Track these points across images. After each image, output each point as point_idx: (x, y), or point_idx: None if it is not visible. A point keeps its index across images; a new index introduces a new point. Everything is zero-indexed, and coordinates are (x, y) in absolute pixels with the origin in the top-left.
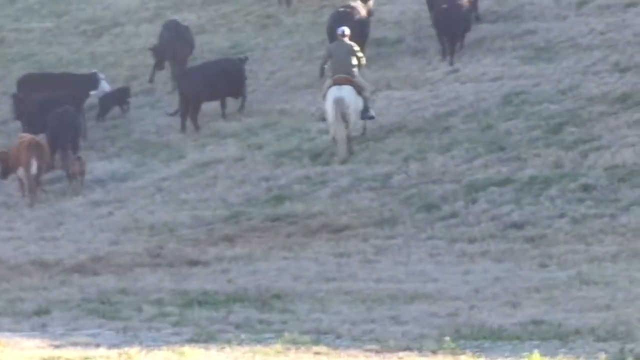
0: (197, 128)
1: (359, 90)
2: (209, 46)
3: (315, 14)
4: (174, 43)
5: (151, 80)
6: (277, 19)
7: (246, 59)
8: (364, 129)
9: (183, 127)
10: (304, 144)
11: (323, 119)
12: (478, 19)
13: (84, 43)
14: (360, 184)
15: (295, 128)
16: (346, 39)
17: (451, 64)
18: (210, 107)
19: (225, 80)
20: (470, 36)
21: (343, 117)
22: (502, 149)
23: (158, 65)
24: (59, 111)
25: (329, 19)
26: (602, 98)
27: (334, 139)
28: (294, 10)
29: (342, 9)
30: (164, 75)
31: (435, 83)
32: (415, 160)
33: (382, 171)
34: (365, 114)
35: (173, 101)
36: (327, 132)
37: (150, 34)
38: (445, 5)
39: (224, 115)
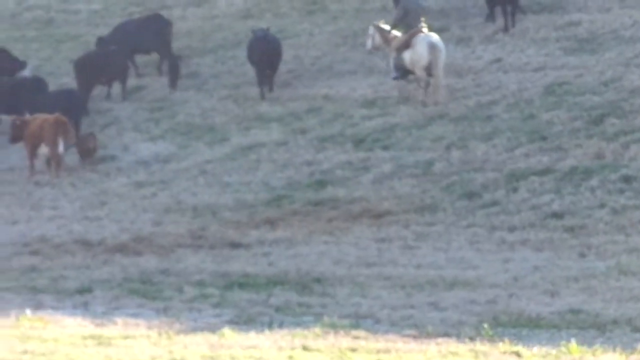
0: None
1: None
2: None
3: (360, 1)
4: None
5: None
6: (322, 4)
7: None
8: None
9: (262, 94)
10: (347, 129)
11: (398, 74)
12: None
13: None
14: (402, 170)
15: (338, 113)
16: None
17: (513, 25)
18: (254, 90)
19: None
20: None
21: (436, 60)
22: (543, 138)
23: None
24: (66, 91)
25: None
26: None
27: (422, 85)
28: None
29: None
30: (210, 58)
31: (478, 72)
32: (457, 148)
33: (424, 158)
34: None
35: (218, 85)
36: (370, 118)
37: (197, 17)
38: None
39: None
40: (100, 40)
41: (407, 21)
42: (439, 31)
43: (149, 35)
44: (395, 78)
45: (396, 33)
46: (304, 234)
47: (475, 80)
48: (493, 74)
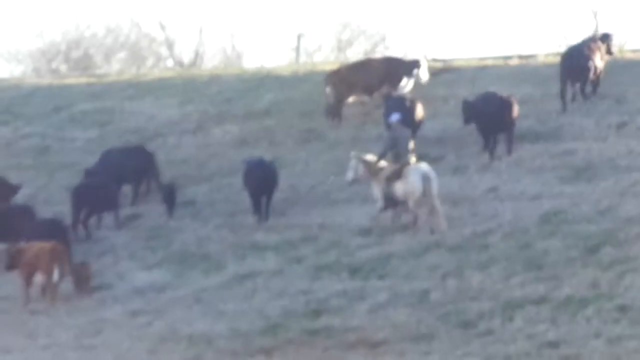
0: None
1: None
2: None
3: (357, 129)
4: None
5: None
6: (319, 133)
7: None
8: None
9: (257, 213)
10: (342, 258)
11: (387, 204)
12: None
13: None
14: (397, 299)
15: (334, 242)
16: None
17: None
18: (250, 219)
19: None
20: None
21: (430, 190)
22: (539, 267)
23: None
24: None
25: (386, 105)
26: None
27: (416, 217)
28: (336, 125)
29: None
30: (206, 186)
31: (474, 201)
32: (453, 277)
33: (420, 287)
34: None
35: (213, 213)
36: (365, 246)
37: (192, 145)
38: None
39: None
40: (88, 172)
41: (396, 150)
42: (435, 160)
43: (131, 165)
44: (382, 209)
45: (383, 163)
46: None
47: (471, 209)
48: (489, 203)
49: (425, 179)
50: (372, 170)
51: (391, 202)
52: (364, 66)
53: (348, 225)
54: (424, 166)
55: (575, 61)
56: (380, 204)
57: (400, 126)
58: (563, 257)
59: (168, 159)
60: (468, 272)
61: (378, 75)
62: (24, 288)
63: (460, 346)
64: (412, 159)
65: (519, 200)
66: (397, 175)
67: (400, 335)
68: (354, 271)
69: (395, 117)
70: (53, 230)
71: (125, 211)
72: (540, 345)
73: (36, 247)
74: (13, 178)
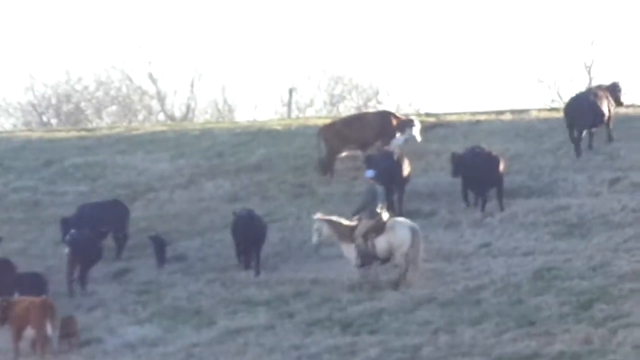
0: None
1: None
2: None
3: (348, 185)
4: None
5: None
6: (311, 188)
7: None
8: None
9: (246, 265)
10: (334, 313)
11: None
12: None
13: None
14: (389, 354)
15: (326, 297)
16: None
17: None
18: (241, 274)
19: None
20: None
21: (417, 245)
22: (531, 323)
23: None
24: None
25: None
26: (633, 275)
27: (405, 270)
28: (327, 180)
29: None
30: (197, 241)
31: (467, 256)
32: (444, 333)
33: (412, 342)
34: None
35: (205, 268)
36: (357, 302)
37: (184, 199)
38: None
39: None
40: (65, 222)
41: (373, 207)
42: (427, 215)
43: (107, 218)
44: (359, 266)
45: (348, 222)
46: None
47: (463, 264)
48: (482, 259)
49: (414, 232)
50: (339, 229)
51: (369, 258)
52: (359, 120)
53: (339, 280)
54: (407, 220)
55: (579, 108)
56: (355, 262)
57: (373, 182)
58: (556, 313)
59: (160, 214)
60: (460, 328)
61: (372, 130)
62: (14, 342)
63: None
64: (385, 215)
65: (512, 256)
66: (377, 230)
67: None
68: (345, 326)
69: (369, 173)
70: (33, 283)
71: (115, 265)
72: None
73: (27, 301)
74: (3, 232)
